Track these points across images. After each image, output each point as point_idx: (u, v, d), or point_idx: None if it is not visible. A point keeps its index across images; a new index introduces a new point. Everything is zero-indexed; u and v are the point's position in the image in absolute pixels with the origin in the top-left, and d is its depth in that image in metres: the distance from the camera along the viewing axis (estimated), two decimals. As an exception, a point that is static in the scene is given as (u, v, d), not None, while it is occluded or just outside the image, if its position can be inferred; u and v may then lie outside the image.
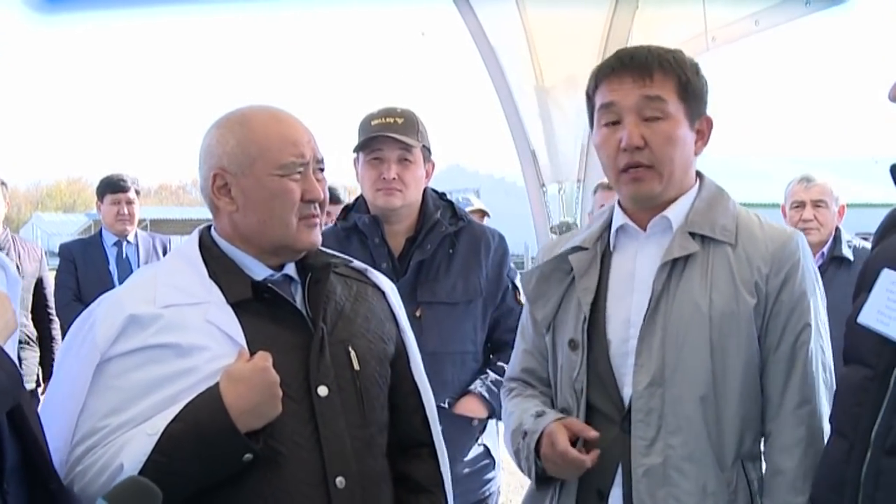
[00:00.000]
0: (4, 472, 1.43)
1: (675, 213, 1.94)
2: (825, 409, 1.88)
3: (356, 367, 1.84)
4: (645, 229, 1.96)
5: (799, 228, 4.19)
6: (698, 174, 2.02)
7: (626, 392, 1.90)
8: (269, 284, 1.81)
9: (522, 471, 2.06)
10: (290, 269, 1.89)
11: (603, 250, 2.00)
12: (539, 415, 1.96)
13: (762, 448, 1.93)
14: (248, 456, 1.65)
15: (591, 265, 1.98)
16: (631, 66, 1.89)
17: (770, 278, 1.87)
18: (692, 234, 1.90)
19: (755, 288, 1.86)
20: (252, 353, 1.71)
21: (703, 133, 1.96)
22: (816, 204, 4.21)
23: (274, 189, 1.78)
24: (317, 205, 1.82)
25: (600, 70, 1.95)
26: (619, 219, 2.00)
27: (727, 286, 1.86)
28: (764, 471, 1.90)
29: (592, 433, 1.86)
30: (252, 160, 1.78)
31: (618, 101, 1.89)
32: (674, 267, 1.89)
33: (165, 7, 4.01)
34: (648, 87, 1.87)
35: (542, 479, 1.97)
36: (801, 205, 4.24)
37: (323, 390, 1.77)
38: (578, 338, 1.95)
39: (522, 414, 2.00)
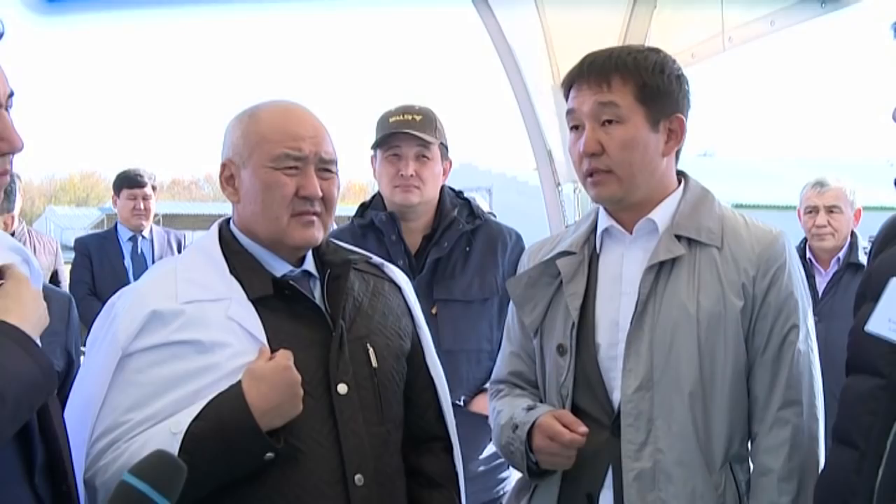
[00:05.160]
0: (35, 469, 1.44)
1: (661, 215, 1.93)
2: (815, 409, 1.89)
3: (374, 364, 1.85)
4: (631, 232, 1.96)
5: (812, 234, 4.18)
6: (682, 174, 2.02)
7: (616, 396, 1.90)
8: (290, 281, 1.82)
9: (514, 466, 2.05)
10: (309, 264, 1.89)
11: (590, 254, 2.00)
12: (530, 408, 1.96)
13: (749, 449, 1.93)
14: (269, 455, 1.65)
15: (579, 270, 1.98)
16: (589, 72, 1.90)
17: (757, 280, 1.87)
18: (678, 237, 1.89)
19: (742, 290, 1.86)
20: (272, 351, 1.72)
21: (674, 133, 1.93)
22: (830, 210, 4.18)
23: (266, 181, 1.77)
24: (316, 202, 1.80)
25: (567, 76, 1.96)
26: (605, 221, 2.00)
27: (714, 288, 1.86)
28: (751, 472, 1.90)
29: (582, 427, 1.86)
30: (251, 151, 1.79)
31: (577, 108, 1.92)
32: (660, 270, 1.89)
33: (174, 7, 3.99)
34: (604, 93, 1.88)
35: (534, 473, 1.97)
36: (814, 210, 4.21)
37: (342, 388, 1.78)
38: (567, 343, 1.94)
39: (513, 409, 1.99)
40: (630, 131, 1.88)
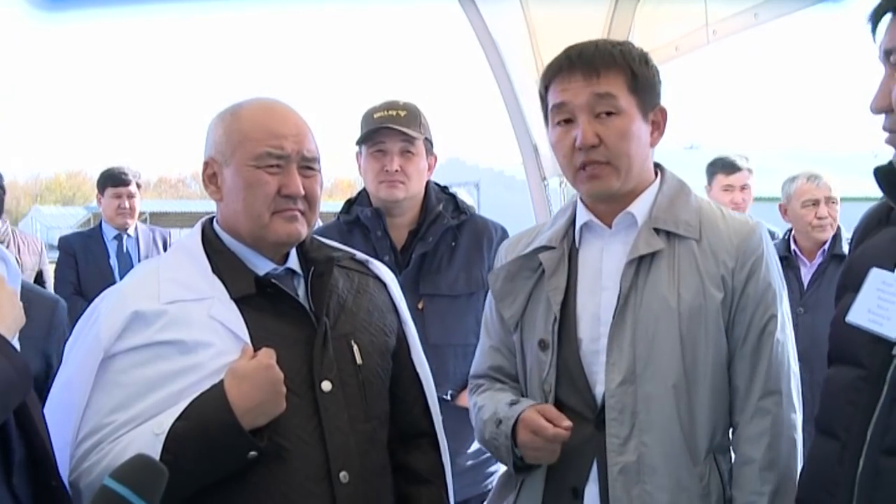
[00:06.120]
0: (13, 468, 1.43)
1: (639, 208, 1.93)
2: (793, 398, 1.90)
3: (359, 361, 1.84)
4: (610, 226, 1.96)
5: (815, 226, 4.17)
6: (659, 167, 2.02)
7: (599, 390, 1.90)
8: (272, 279, 1.81)
9: (500, 460, 2.04)
10: (293, 262, 1.88)
11: (569, 248, 2.00)
12: (513, 403, 1.96)
13: (731, 439, 1.94)
14: (252, 453, 1.65)
15: (560, 264, 1.97)
16: (579, 63, 1.88)
17: (736, 272, 1.88)
18: (657, 231, 1.90)
19: (721, 282, 1.87)
20: (256, 349, 1.71)
21: (658, 124, 1.95)
22: (829, 200, 4.21)
23: (248, 179, 1.77)
24: (299, 200, 1.79)
25: (550, 69, 1.94)
26: (583, 215, 1.99)
27: (694, 281, 1.87)
28: (732, 462, 1.91)
29: (566, 422, 1.85)
30: (233, 149, 1.78)
31: (569, 101, 1.89)
32: (640, 263, 1.89)
33: (165, 5, 3.98)
34: (598, 84, 1.86)
35: (519, 467, 1.96)
36: (815, 203, 4.21)
37: (326, 385, 1.77)
38: (548, 338, 1.94)
39: (496, 404, 1.99)
40: (626, 122, 1.87)
